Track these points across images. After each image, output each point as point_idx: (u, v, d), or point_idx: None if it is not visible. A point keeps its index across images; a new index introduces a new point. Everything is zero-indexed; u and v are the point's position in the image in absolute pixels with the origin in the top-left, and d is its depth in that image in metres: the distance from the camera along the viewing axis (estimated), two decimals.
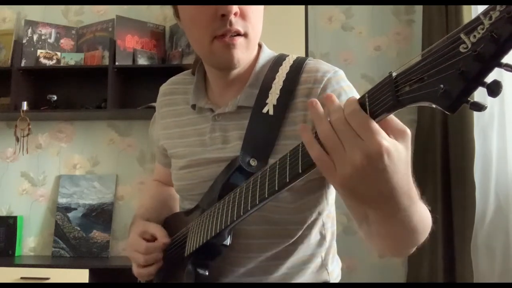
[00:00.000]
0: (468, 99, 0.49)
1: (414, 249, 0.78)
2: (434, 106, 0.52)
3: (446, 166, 2.52)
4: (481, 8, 2.43)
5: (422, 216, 0.71)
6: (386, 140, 0.57)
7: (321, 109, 0.62)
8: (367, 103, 0.58)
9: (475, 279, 2.38)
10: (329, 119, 0.61)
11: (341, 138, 0.58)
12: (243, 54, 0.93)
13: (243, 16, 0.91)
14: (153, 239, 1.03)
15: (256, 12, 0.93)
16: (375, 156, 0.56)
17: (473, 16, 2.56)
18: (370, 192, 0.60)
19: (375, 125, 0.57)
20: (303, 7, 2.64)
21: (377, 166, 0.57)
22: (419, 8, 2.81)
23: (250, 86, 0.98)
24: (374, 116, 0.57)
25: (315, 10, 2.90)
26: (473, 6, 2.48)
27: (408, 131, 0.60)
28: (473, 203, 2.37)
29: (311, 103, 0.63)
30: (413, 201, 0.64)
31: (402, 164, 0.59)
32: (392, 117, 0.60)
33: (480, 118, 2.43)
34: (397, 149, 0.58)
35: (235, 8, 0.88)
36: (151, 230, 1.03)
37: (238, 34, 0.91)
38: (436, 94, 0.51)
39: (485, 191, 2.43)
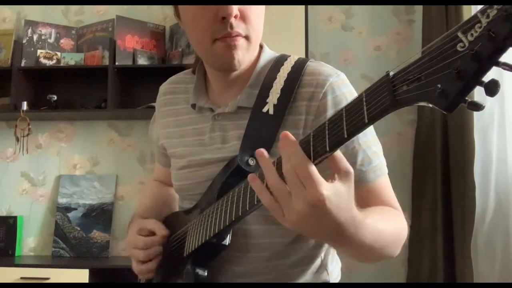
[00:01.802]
0: (466, 98, 0.49)
1: (385, 258, 0.84)
2: (431, 106, 0.51)
3: (446, 166, 2.52)
4: None
5: (379, 234, 0.77)
6: (325, 189, 0.62)
7: (268, 160, 0.68)
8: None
9: (475, 279, 2.37)
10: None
11: (289, 186, 0.65)
12: (244, 56, 0.93)
13: (243, 18, 0.90)
14: (151, 234, 1.03)
15: (256, 13, 0.93)
16: (317, 203, 0.62)
17: None
18: (317, 231, 0.68)
19: (317, 175, 0.63)
20: (303, 7, 2.64)
21: (319, 212, 0.63)
22: (419, 8, 2.80)
23: (250, 86, 0.98)
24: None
25: (315, 10, 2.90)
26: (473, 6, 2.48)
27: (351, 172, 0.66)
28: (473, 203, 2.37)
29: (258, 153, 0.68)
30: (360, 226, 0.69)
31: (343, 202, 0.65)
32: (338, 156, 0.65)
33: (480, 118, 2.43)
34: (338, 192, 0.64)
35: (235, 10, 0.88)
36: (148, 226, 1.04)
37: (239, 35, 0.90)
38: (434, 94, 0.50)
39: (485, 191, 2.43)
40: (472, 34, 0.47)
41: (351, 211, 0.67)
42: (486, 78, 0.48)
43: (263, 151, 0.68)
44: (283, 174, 0.65)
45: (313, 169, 0.63)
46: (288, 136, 0.66)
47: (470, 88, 0.48)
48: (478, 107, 0.49)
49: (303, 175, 0.63)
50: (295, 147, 0.65)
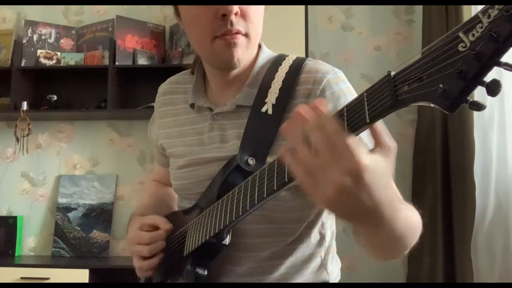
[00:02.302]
0: (468, 98, 0.49)
1: (406, 252, 0.79)
2: (433, 105, 0.51)
3: (446, 166, 2.52)
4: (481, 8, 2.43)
5: (408, 221, 0.72)
6: (364, 159, 0.57)
7: (296, 133, 0.62)
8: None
9: (475, 279, 2.37)
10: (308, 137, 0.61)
11: (321, 159, 0.59)
12: (244, 54, 0.93)
13: (243, 16, 0.91)
14: (154, 229, 1.02)
15: (256, 12, 0.93)
16: (355, 174, 0.57)
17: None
18: (353, 209, 0.61)
19: (353, 144, 0.57)
20: (303, 7, 2.64)
21: (358, 184, 0.58)
22: (419, 8, 2.81)
23: (249, 85, 0.98)
24: (353, 129, 0.58)
25: (315, 10, 2.90)
26: (473, 6, 2.48)
27: (393, 147, 0.61)
28: (473, 203, 2.37)
29: (284, 130, 0.63)
30: (396, 208, 0.65)
31: (383, 177, 0.60)
32: (380, 129, 0.61)
33: (480, 118, 2.43)
34: (377, 164, 0.59)
35: (235, 8, 0.88)
36: (150, 221, 1.04)
37: (239, 33, 0.91)
38: (435, 93, 0.50)
39: (485, 191, 2.43)
40: (473, 34, 0.47)
41: (390, 189, 0.63)
42: (488, 78, 0.48)
43: (288, 127, 0.63)
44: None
45: (349, 138, 0.57)
46: (319, 106, 0.60)
47: (472, 88, 0.48)
48: (479, 106, 0.49)
49: (338, 144, 0.57)
50: (327, 115, 0.60)
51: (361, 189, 0.58)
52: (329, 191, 0.59)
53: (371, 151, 0.60)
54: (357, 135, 0.61)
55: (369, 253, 0.81)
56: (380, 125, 0.60)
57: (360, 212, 0.62)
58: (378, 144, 0.61)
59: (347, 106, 0.62)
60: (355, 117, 0.60)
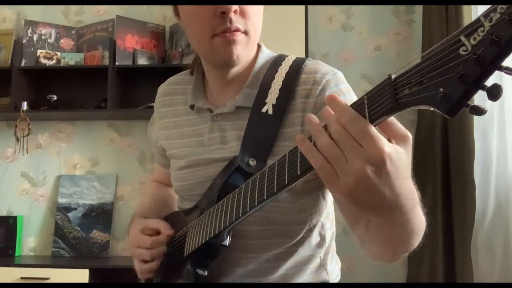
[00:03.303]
0: (468, 102, 0.49)
1: (410, 251, 0.78)
2: (433, 109, 0.51)
3: (446, 166, 2.52)
4: (481, 8, 2.43)
5: (420, 219, 0.71)
6: (387, 146, 0.56)
7: (317, 121, 0.61)
8: (366, 107, 0.57)
9: (475, 279, 2.38)
10: (327, 129, 0.60)
11: (341, 148, 0.57)
12: (243, 51, 0.93)
13: (243, 14, 0.91)
14: (155, 233, 1.03)
15: (256, 10, 0.94)
16: (377, 162, 0.56)
17: (473, 16, 2.57)
18: (374, 199, 0.59)
19: (374, 131, 0.56)
20: (303, 7, 2.64)
21: (380, 173, 0.56)
22: (419, 8, 2.80)
23: (248, 86, 0.98)
24: (372, 120, 0.57)
25: (315, 10, 2.90)
26: (473, 6, 2.48)
27: (410, 136, 0.60)
28: (473, 203, 2.37)
29: (308, 119, 0.62)
30: (415, 203, 0.64)
31: (404, 168, 0.58)
32: (393, 120, 0.59)
33: (480, 119, 2.43)
34: (399, 154, 0.57)
35: (234, 6, 0.88)
36: (152, 225, 1.04)
37: (238, 30, 0.91)
38: (436, 97, 0.50)
39: (485, 191, 2.43)
40: (475, 38, 0.47)
41: (410, 182, 0.61)
42: (488, 82, 0.47)
43: (311, 116, 0.62)
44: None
45: (370, 125, 0.56)
46: (335, 98, 0.60)
47: (473, 92, 0.48)
48: (480, 111, 0.48)
49: (358, 132, 0.56)
50: (344, 106, 0.58)
51: (383, 178, 0.57)
52: (350, 180, 0.57)
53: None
54: None
55: (373, 251, 0.80)
56: (392, 118, 0.59)
57: (380, 202, 0.60)
58: (396, 135, 0.59)
59: None
60: None
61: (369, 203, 0.60)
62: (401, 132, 0.59)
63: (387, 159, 0.56)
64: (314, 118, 0.62)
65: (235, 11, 0.89)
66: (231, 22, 0.89)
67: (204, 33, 0.91)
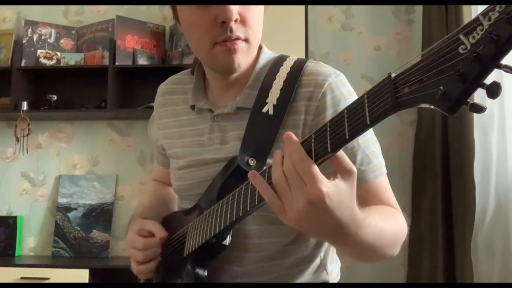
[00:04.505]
0: (468, 100, 0.49)
1: (385, 258, 0.84)
2: (433, 107, 0.51)
3: (446, 166, 2.52)
4: (481, 8, 2.43)
5: (380, 234, 0.77)
6: (325, 186, 0.63)
7: (280, 156, 0.68)
8: (366, 106, 0.60)
9: (475, 279, 2.38)
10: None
11: (289, 183, 0.65)
12: (244, 59, 0.93)
13: (243, 22, 0.90)
14: (150, 235, 1.03)
15: (256, 16, 0.93)
16: (316, 200, 0.63)
17: (473, 16, 2.58)
18: (317, 229, 0.68)
19: (316, 172, 0.63)
20: (303, 7, 2.64)
21: (319, 208, 0.63)
22: (419, 8, 2.81)
23: (249, 87, 0.98)
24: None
25: (315, 10, 2.90)
26: (473, 6, 2.48)
27: (354, 171, 0.66)
28: (473, 203, 2.37)
29: (275, 152, 0.69)
30: (361, 226, 0.70)
31: (344, 201, 0.65)
32: (341, 155, 0.65)
33: (480, 118, 2.43)
34: (339, 190, 0.64)
35: (235, 15, 0.88)
36: (147, 227, 1.04)
37: (239, 39, 0.90)
38: (436, 95, 0.50)
39: (485, 191, 2.43)
40: (474, 37, 0.47)
41: (352, 210, 0.67)
42: (488, 80, 0.48)
43: (277, 152, 0.69)
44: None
45: (313, 166, 0.63)
46: (290, 136, 0.67)
47: (472, 90, 0.48)
48: (479, 109, 0.49)
49: (303, 172, 0.63)
50: (296, 145, 0.65)
51: (322, 213, 0.64)
52: (293, 214, 0.65)
53: (334, 176, 0.65)
54: (357, 136, 0.61)
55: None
56: (340, 151, 0.65)
57: (324, 231, 0.68)
58: (339, 169, 0.65)
59: (347, 108, 0.62)
60: (356, 119, 0.60)
61: (312, 230, 0.70)
62: (347, 167, 0.65)
63: (325, 197, 0.62)
64: (278, 152, 0.69)
65: (235, 20, 0.88)
66: (231, 31, 0.89)
67: (204, 41, 0.91)
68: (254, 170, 0.71)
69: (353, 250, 0.77)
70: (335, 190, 0.64)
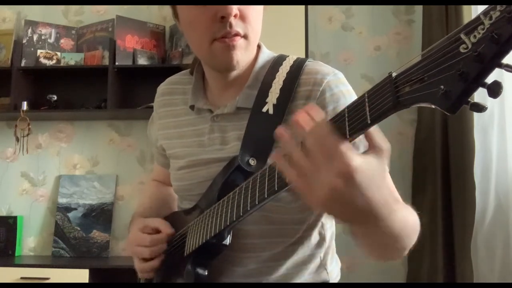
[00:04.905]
0: (469, 100, 0.49)
1: (405, 253, 0.79)
2: (434, 107, 0.51)
3: (446, 166, 2.52)
4: (481, 8, 2.43)
5: (406, 222, 0.72)
6: (355, 160, 0.58)
7: (287, 136, 0.64)
8: (366, 105, 0.59)
9: (475, 279, 2.38)
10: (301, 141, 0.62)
11: (314, 161, 0.60)
12: (243, 56, 0.93)
13: (242, 18, 0.90)
14: (156, 232, 1.03)
15: (255, 13, 0.93)
16: (346, 175, 0.58)
17: (473, 16, 2.58)
18: (347, 209, 0.62)
19: (344, 146, 0.58)
20: (303, 7, 2.64)
21: (349, 185, 0.58)
22: (419, 8, 2.81)
23: (249, 87, 0.98)
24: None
25: (315, 10, 2.90)
26: (473, 6, 2.48)
27: (385, 148, 0.62)
28: (473, 203, 2.37)
29: (278, 134, 0.64)
30: (392, 209, 0.65)
31: (376, 177, 0.60)
32: (373, 132, 0.61)
33: (480, 118, 2.43)
34: (369, 164, 0.60)
35: (235, 10, 0.88)
36: (152, 224, 1.04)
37: (238, 35, 0.90)
38: (437, 95, 0.50)
39: (485, 191, 2.43)
40: (475, 36, 0.47)
41: (384, 190, 0.63)
42: (489, 79, 0.48)
43: (282, 130, 0.64)
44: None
45: (341, 141, 0.59)
46: (315, 109, 0.63)
47: (473, 89, 0.48)
48: (480, 108, 0.48)
49: (329, 147, 0.59)
50: (322, 120, 0.61)
51: (353, 190, 0.59)
52: (322, 193, 0.60)
53: (364, 152, 0.61)
54: (358, 136, 0.61)
55: (367, 254, 0.81)
56: (373, 128, 0.61)
57: (354, 212, 0.62)
58: (371, 146, 0.61)
59: (348, 107, 0.62)
60: (356, 118, 0.60)
61: (342, 213, 0.63)
62: (378, 144, 0.61)
63: (355, 171, 0.58)
64: (284, 132, 0.64)
65: (235, 15, 0.88)
66: (231, 26, 0.89)
67: (203, 38, 0.91)
68: (278, 152, 0.66)
69: (381, 239, 0.71)
70: (366, 166, 0.59)
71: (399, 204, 0.70)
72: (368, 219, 0.63)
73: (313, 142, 0.60)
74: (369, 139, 0.62)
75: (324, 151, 0.59)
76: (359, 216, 0.63)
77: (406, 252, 0.79)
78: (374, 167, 0.60)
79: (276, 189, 0.71)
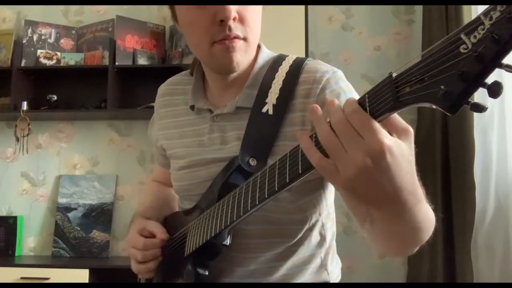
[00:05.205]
0: (469, 100, 0.49)
1: (417, 248, 0.77)
2: (434, 107, 0.51)
3: (446, 166, 2.52)
4: (481, 8, 2.43)
5: (426, 215, 0.69)
6: (387, 139, 0.56)
7: (320, 112, 0.61)
8: (367, 103, 0.58)
9: (475, 279, 2.38)
10: (329, 121, 0.60)
11: (342, 139, 0.57)
12: (242, 58, 0.93)
13: (241, 20, 0.90)
14: (152, 236, 1.03)
15: (254, 15, 0.93)
16: (377, 155, 0.55)
17: (473, 16, 2.57)
18: (374, 192, 0.59)
19: (376, 124, 0.56)
20: (303, 7, 2.64)
21: (379, 165, 0.56)
22: (419, 8, 2.81)
23: (248, 87, 0.98)
24: (374, 116, 0.57)
25: (315, 10, 2.90)
26: (473, 6, 2.48)
27: (411, 130, 0.60)
28: (473, 203, 2.37)
29: (311, 108, 0.62)
30: (418, 199, 0.63)
31: (405, 162, 0.58)
32: (395, 115, 0.59)
33: (480, 118, 2.43)
34: (400, 148, 0.57)
35: (233, 13, 0.88)
36: (149, 227, 1.04)
37: (237, 38, 0.90)
38: (437, 95, 0.50)
39: (485, 191, 2.43)
40: (475, 36, 0.47)
41: (413, 177, 0.61)
42: (489, 79, 0.48)
43: (315, 105, 0.62)
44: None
45: (371, 118, 0.56)
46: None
47: (473, 89, 0.48)
48: (480, 108, 0.48)
49: (359, 124, 0.56)
50: (351, 98, 0.59)
51: (382, 171, 0.56)
52: (350, 172, 0.57)
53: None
54: None
55: (380, 247, 0.79)
56: (393, 114, 0.59)
57: (380, 196, 0.59)
58: (396, 130, 0.59)
59: None
60: None
61: (368, 195, 0.60)
62: (402, 126, 0.59)
63: (387, 152, 0.55)
64: (317, 108, 0.62)
65: (234, 19, 0.88)
66: (230, 29, 0.89)
67: (203, 40, 0.91)
68: (303, 131, 0.64)
69: (403, 229, 0.68)
70: (397, 146, 0.56)
71: (423, 196, 0.67)
72: (393, 204, 0.61)
73: (344, 118, 0.57)
74: (392, 122, 0.59)
75: (355, 126, 0.56)
76: (385, 200, 0.60)
77: (418, 247, 0.76)
78: (404, 150, 0.58)
79: (276, 189, 0.71)
